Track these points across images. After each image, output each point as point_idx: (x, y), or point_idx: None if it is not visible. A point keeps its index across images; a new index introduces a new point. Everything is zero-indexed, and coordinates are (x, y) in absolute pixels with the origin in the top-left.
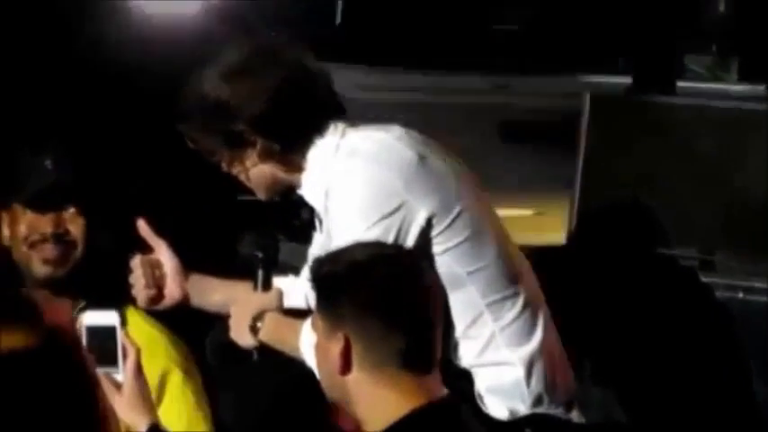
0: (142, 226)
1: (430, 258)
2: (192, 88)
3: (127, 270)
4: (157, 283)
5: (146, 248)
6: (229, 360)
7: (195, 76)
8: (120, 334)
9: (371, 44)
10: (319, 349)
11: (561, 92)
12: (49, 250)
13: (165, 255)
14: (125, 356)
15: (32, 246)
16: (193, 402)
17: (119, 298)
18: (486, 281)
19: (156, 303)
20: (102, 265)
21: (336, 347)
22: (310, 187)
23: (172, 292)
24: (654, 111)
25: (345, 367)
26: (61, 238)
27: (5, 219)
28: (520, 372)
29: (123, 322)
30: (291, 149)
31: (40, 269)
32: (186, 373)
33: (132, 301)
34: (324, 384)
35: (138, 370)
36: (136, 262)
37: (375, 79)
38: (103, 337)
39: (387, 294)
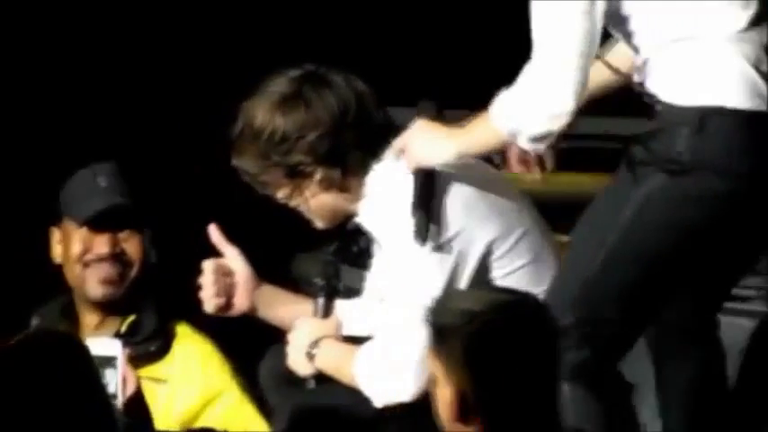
0: (213, 232)
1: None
2: (244, 121)
3: (186, 283)
4: (227, 291)
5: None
6: (285, 386)
7: (245, 106)
8: (121, 364)
9: None
10: (437, 394)
11: None
12: (106, 270)
13: (237, 262)
14: (125, 387)
15: (87, 265)
16: (253, 417)
17: (170, 312)
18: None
19: (223, 311)
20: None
21: (449, 396)
22: (369, 213)
23: (240, 301)
24: None
25: (463, 415)
26: (118, 258)
27: (56, 235)
28: None
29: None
30: (351, 176)
31: (95, 290)
32: (242, 390)
33: (193, 313)
34: (444, 421)
35: (137, 400)
36: (208, 266)
37: None
38: (104, 366)
39: (498, 350)
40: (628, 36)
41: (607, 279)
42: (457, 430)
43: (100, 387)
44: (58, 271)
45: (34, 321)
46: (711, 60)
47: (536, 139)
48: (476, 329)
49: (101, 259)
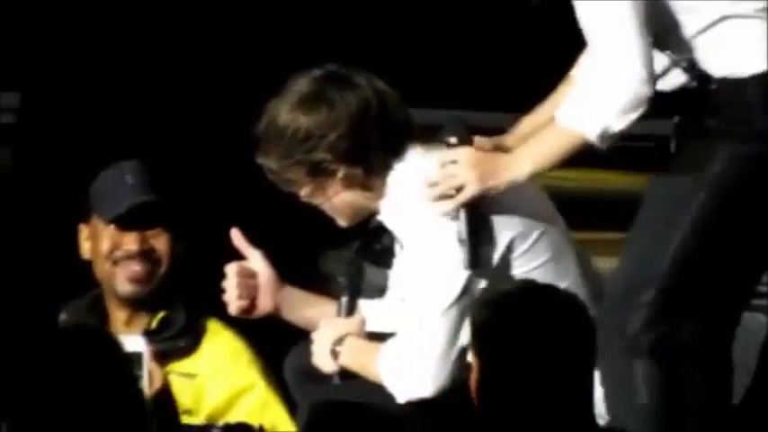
0: (236, 235)
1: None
2: (268, 120)
3: (215, 279)
4: (250, 293)
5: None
6: (309, 383)
7: (269, 106)
8: (146, 361)
9: None
10: (472, 382)
11: None
12: (135, 268)
13: (259, 264)
14: (151, 383)
15: (116, 263)
16: (281, 412)
17: (199, 308)
18: None
19: (247, 313)
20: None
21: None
22: (390, 211)
23: (264, 303)
24: None
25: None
26: (147, 255)
27: (85, 232)
28: (599, 389)
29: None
30: (373, 175)
31: (124, 287)
32: (270, 386)
33: (221, 309)
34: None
35: (164, 396)
36: (231, 269)
37: None
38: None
39: (533, 350)
40: (671, 27)
41: (693, 257)
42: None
43: (132, 381)
44: (86, 267)
45: (62, 317)
46: (755, 32)
47: (614, 136)
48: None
49: (129, 256)
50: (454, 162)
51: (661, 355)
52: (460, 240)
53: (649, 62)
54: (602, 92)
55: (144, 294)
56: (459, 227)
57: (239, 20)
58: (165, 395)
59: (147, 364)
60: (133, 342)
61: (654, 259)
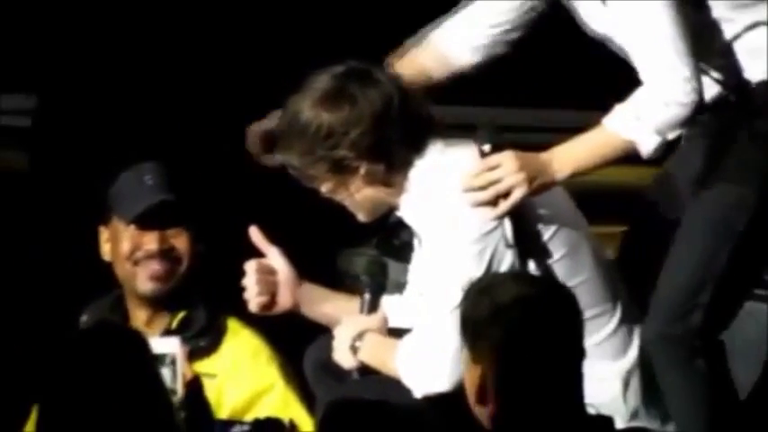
0: (254, 233)
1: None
2: (290, 117)
3: (234, 278)
4: (270, 290)
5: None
6: (329, 378)
7: (290, 102)
8: (180, 361)
9: None
10: (465, 374)
11: None
12: (156, 267)
13: (278, 262)
14: (184, 383)
15: (137, 263)
16: (301, 411)
17: (219, 307)
18: (583, 297)
19: (267, 310)
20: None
21: (475, 379)
22: (410, 207)
23: (284, 299)
24: None
25: (481, 398)
26: (167, 254)
27: (105, 234)
28: (616, 386)
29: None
30: (394, 171)
31: (145, 286)
32: (289, 385)
33: (241, 306)
34: (470, 404)
35: (196, 395)
36: (250, 266)
37: None
38: (164, 363)
39: (524, 337)
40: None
41: (746, 256)
42: (479, 410)
43: (158, 379)
44: (107, 269)
45: (84, 318)
46: None
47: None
48: (504, 318)
49: (150, 256)
50: (496, 167)
51: (712, 353)
52: (508, 245)
53: (699, 75)
54: (659, 106)
55: (164, 293)
56: (504, 231)
57: (260, 20)
58: (197, 395)
59: (182, 366)
60: (167, 343)
61: (712, 260)
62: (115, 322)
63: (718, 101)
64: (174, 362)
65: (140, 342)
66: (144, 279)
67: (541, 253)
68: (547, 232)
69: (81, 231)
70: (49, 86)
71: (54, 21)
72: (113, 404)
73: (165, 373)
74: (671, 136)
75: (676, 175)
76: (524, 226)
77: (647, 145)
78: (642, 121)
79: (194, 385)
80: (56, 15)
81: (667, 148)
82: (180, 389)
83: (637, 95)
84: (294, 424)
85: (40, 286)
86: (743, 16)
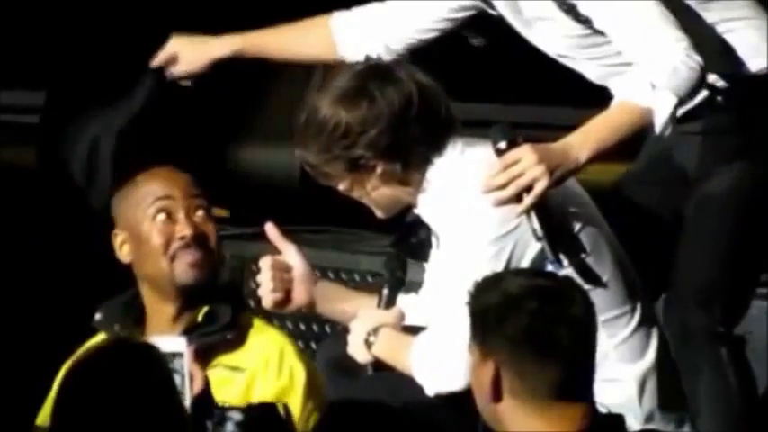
0: (270, 229)
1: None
2: (308, 113)
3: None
4: (285, 287)
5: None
6: (341, 375)
7: (309, 99)
8: (187, 361)
9: None
10: (474, 373)
11: None
12: (194, 254)
13: (294, 258)
14: (192, 384)
15: (174, 256)
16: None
17: (240, 304)
18: (603, 298)
19: (282, 307)
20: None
21: (487, 375)
22: (429, 205)
23: (299, 296)
24: None
25: (495, 395)
26: (201, 241)
27: (119, 237)
28: (632, 388)
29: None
30: (411, 170)
31: (186, 275)
32: (310, 389)
33: (257, 303)
34: (478, 406)
35: (204, 397)
36: (265, 263)
37: None
38: (171, 363)
39: (539, 328)
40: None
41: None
42: (491, 409)
43: (176, 397)
44: (124, 270)
45: (97, 317)
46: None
47: (673, 120)
48: (515, 314)
49: (186, 245)
50: (516, 163)
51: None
52: (538, 239)
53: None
54: (669, 71)
55: (202, 281)
56: (532, 225)
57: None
58: (205, 397)
59: (189, 366)
60: (174, 343)
61: (732, 247)
62: (130, 339)
63: (703, 101)
64: (180, 361)
65: (156, 360)
66: (183, 268)
67: (573, 248)
68: (574, 229)
69: (90, 229)
70: (58, 83)
71: (61, 16)
72: (131, 420)
73: (173, 372)
74: (687, 100)
75: (653, 176)
76: (552, 221)
77: (665, 110)
78: (657, 87)
79: (204, 386)
80: (63, 13)
81: (635, 148)
82: (187, 389)
83: (640, 72)
84: (288, 409)
85: (51, 285)
86: (709, 14)
